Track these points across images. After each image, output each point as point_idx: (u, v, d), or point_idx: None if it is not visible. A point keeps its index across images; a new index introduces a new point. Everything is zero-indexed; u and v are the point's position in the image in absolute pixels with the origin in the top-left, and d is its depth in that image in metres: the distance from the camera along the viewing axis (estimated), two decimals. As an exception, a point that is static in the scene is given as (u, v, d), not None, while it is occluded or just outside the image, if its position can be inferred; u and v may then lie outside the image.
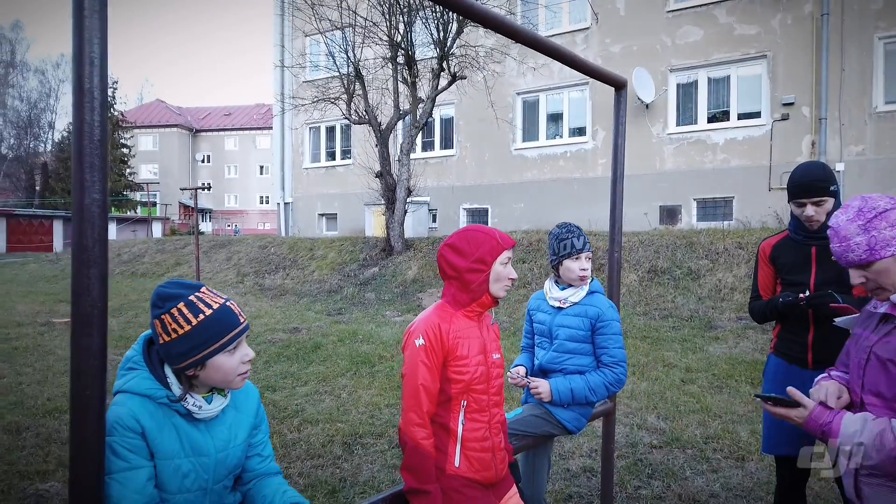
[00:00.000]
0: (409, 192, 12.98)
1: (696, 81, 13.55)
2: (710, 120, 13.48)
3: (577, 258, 2.81)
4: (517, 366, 2.93)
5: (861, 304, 2.41)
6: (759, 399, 1.73)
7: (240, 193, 54.84)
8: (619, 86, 3.38)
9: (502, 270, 2.10)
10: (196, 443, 1.61)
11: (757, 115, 12.88)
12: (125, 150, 43.51)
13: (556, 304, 2.88)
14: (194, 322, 1.56)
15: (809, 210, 2.65)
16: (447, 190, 16.46)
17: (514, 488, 2.26)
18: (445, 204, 16.51)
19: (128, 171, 43.94)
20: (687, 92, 13.72)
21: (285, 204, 20.16)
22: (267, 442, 1.84)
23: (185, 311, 1.56)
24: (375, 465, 4.35)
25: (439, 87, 12.49)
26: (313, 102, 13.58)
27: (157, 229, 39.99)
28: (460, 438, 2.08)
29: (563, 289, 2.88)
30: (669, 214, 13.57)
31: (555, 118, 15.44)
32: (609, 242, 3.36)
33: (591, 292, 2.86)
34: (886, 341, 1.58)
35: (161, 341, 1.58)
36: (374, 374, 6.71)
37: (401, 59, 12.79)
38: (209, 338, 1.57)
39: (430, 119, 13.06)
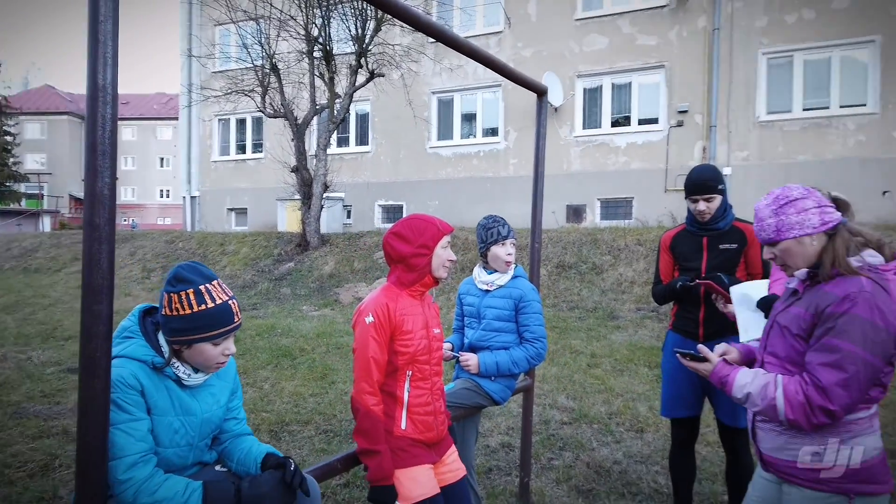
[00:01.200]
0: (326, 188, 13.02)
1: (601, 87, 14.37)
2: (614, 124, 14.34)
3: (503, 244, 3.14)
4: (446, 343, 3.21)
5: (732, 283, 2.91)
6: (678, 354, 2.07)
7: (138, 186, 52.17)
8: (540, 92, 3.75)
9: (443, 253, 2.38)
10: (185, 404, 1.83)
11: (655, 121, 13.83)
12: (8, 139, 40.11)
13: (484, 287, 3.20)
14: (196, 309, 1.77)
15: (701, 205, 3.09)
16: (362, 186, 16.58)
17: (454, 447, 2.55)
18: (360, 200, 16.62)
19: (11, 160, 40.60)
20: (593, 97, 14.53)
21: (192, 198, 19.53)
22: (241, 407, 2.06)
23: (192, 297, 1.77)
24: (304, 450, 4.51)
25: (357, 84, 12.61)
26: (226, 94, 13.33)
27: (46, 223, 37.40)
28: (406, 404, 2.34)
29: (491, 273, 3.21)
30: (575, 213, 14.34)
31: (469, 118, 15.90)
32: (530, 235, 3.72)
33: (514, 276, 3.20)
34: (787, 311, 1.92)
35: (164, 312, 1.79)
36: (296, 366, 6.82)
37: (318, 54, 12.79)
38: (202, 326, 1.79)
39: (346, 115, 13.14)
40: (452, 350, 3.19)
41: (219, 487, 1.76)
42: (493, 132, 15.49)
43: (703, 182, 3.10)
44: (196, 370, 1.86)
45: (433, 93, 15.96)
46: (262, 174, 17.88)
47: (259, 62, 13.27)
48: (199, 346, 1.81)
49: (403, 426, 2.34)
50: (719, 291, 2.85)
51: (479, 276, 3.24)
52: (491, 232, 3.15)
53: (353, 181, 16.40)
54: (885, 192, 11.86)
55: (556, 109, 14.37)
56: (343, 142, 17.18)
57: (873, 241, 1.81)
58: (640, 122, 14.04)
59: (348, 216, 16.79)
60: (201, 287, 1.79)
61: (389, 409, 2.34)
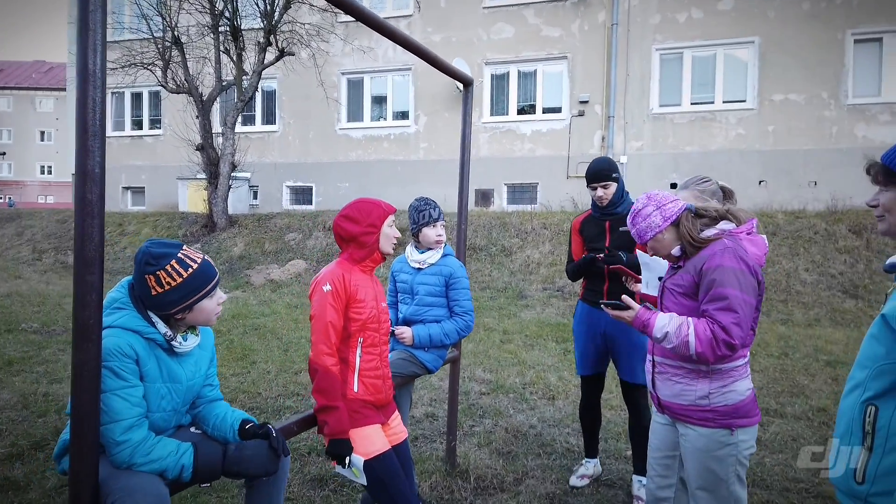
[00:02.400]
0: (234, 167, 12.72)
1: (508, 75, 14.84)
2: (520, 112, 14.86)
3: (433, 226, 3.40)
4: None
5: (636, 262, 3.34)
6: (602, 304, 2.40)
7: (15, 162, 48.10)
8: (467, 83, 3.99)
9: (389, 231, 2.63)
10: (172, 371, 1.97)
11: (559, 110, 14.47)
12: None
13: (417, 265, 3.45)
14: (185, 275, 1.92)
15: (599, 192, 3.55)
16: (269, 167, 16.27)
17: (398, 411, 2.78)
18: (267, 181, 16.31)
19: None
20: (500, 85, 14.97)
21: (83, 175, 18.35)
22: (216, 374, 2.20)
23: (176, 266, 1.92)
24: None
25: (266, 62, 12.35)
26: (123, 67, 12.66)
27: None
28: (358, 368, 2.55)
29: (422, 252, 3.45)
30: (484, 197, 14.79)
31: (379, 100, 15.95)
32: (457, 217, 3.97)
33: (444, 255, 3.46)
34: (673, 277, 2.34)
35: (154, 293, 1.91)
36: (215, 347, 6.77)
37: (224, 29, 12.41)
38: (197, 287, 1.95)
39: (254, 93, 12.85)
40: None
41: (208, 449, 1.91)
42: (403, 115, 15.63)
43: (600, 171, 3.56)
44: (186, 335, 2.00)
45: (343, 73, 15.86)
46: (161, 152, 17.13)
47: (159, 34, 12.69)
48: (198, 306, 1.97)
49: (356, 389, 2.55)
50: (629, 274, 3.23)
51: (412, 254, 3.48)
52: (423, 214, 3.39)
53: (260, 161, 16.06)
54: (760, 182, 13.07)
55: (465, 95, 14.68)
56: (248, 120, 16.74)
57: (721, 213, 2.29)
58: (545, 110, 14.64)
59: (255, 197, 16.44)
60: (179, 255, 1.93)
61: (342, 373, 2.53)
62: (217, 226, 12.81)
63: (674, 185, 13.30)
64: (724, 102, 13.45)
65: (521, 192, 14.72)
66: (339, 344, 2.51)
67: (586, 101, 14.06)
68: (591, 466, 3.78)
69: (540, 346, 6.75)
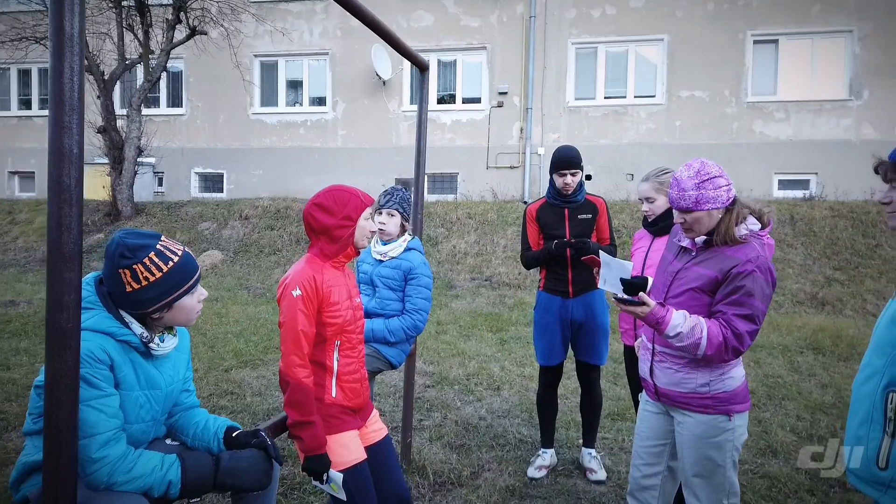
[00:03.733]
0: (140, 152, 11.90)
1: (428, 64, 14.68)
2: (440, 101, 14.80)
3: (378, 213, 3.30)
4: None
5: (597, 248, 3.35)
6: (615, 299, 2.30)
7: None
8: (423, 67, 3.86)
9: (365, 224, 2.42)
10: (150, 377, 1.76)
11: (478, 100, 14.51)
12: None
13: (378, 256, 3.31)
14: (165, 269, 1.71)
15: (568, 178, 3.53)
16: (176, 152, 15.34)
17: (375, 411, 2.64)
18: (174, 167, 15.39)
19: None
20: (420, 73, 14.80)
21: (-41, 158, 16.65)
22: (192, 378, 1.98)
23: (156, 259, 1.70)
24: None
25: (175, 40, 11.61)
26: (12, 41, 11.52)
27: None
28: (336, 373, 2.38)
29: (385, 244, 3.29)
30: (405, 187, 14.62)
31: (295, 85, 15.40)
32: (413, 206, 3.84)
33: (409, 248, 3.33)
34: (687, 269, 2.27)
35: (129, 289, 1.68)
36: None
37: (128, 3, 11.54)
38: (179, 282, 1.74)
39: (162, 73, 12.06)
40: None
41: (196, 462, 1.72)
42: (320, 101, 15.18)
43: (571, 158, 3.54)
44: (163, 336, 1.79)
45: (256, 56, 15.18)
46: (53, 134, 15.75)
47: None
48: (179, 304, 1.77)
49: (334, 394, 2.38)
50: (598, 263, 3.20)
51: (375, 245, 3.34)
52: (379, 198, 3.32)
53: (165, 146, 15.09)
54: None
55: (384, 83, 14.46)
56: (152, 102, 15.69)
57: (755, 210, 2.25)
58: (465, 100, 14.64)
59: (160, 184, 15.48)
60: (158, 247, 1.73)
61: (319, 378, 2.36)
62: (122, 214, 11.97)
63: (588, 177, 13.67)
64: (635, 97, 13.94)
65: (441, 182, 14.69)
66: (314, 350, 2.34)
67: (505, 93, 14.18)
68: (547, 457, 3.79)
69: (477, 337, 6.75)
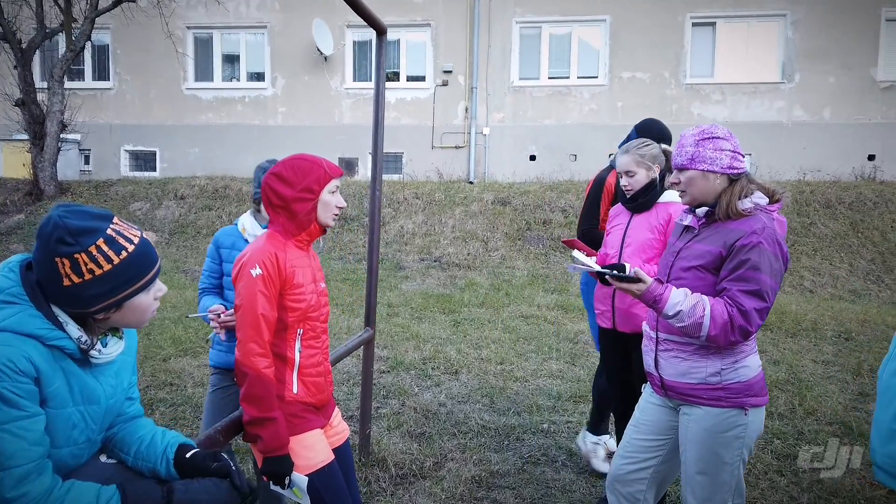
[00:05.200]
0: (64, 127, 11.11)
1: (371, 40, 14.31)
2: (386, 79, 14.41)
3: None
4: (212, 306, 2.71)
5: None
6: (607, 274, 2.13)
7: None
8: (380, 31, 3.62)
9: (330, 199, 2.14)
10: (87, 389, 1.42)
11: (423, 78, 14.23)
12: None
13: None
14: (116, 261, 1.36)
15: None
16: (103, 128, 14.44)
17: (337, 408, 2.43)
18: (101, 144, 14.49)
19: None
20: (362, 49, 14.41)
21: None
22: (136, 383, 1.67)
23: (105, 248, 1.35)
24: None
25: (100, 7, 10.83)
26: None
27: None
28: (297, 366, 2.15)
29: (265, 227, 2.82)
30: (348, 166, 14.27)
31: (231, 60, 14.71)
32: (371, 182, 3.64)
33: None
34: (690, 247, 2.14)
35: (66, 283, 1.33)
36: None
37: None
38: (132, 276, 1.40)
39: (86, 42, 11.25)
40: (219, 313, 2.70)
41: (141, 492, 1.40)
42: (259, 77, 14.56)
43: (669, 139, 3.26)
44: (105, 339, 1.46)
45: (189, 28, 14.40)
46: (-37, 108, 14.58)
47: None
48: (131, 302, 1.42)
49: (295, 390, 2.15)
50: (582, 248, 3.04)
51: (251, 228, 2.83)
52: None
53: (92, 121, 14.17)
54: (610, 155, 13.83)
55: (326, 59, 13.99)
56: (76, 75, 14.70)
57: (767, 188, 2.11)
58: (409, 78, 14.34)
59: (87, 162, 14.57)
60: (109, 232, 1.36)
61: (279, 371, 2.12)
62: (45, 193, 11.18)
63: (533, 158, 13.70)
64: (578, 78, 13.97)
65: (386, 162, 14.38)
66: (274, 338, 2.10)
67: (450, 71, 13.96)
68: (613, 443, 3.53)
69: (429, 319, 6.60)
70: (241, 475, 1.57)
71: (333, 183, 2.15)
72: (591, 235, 3.47)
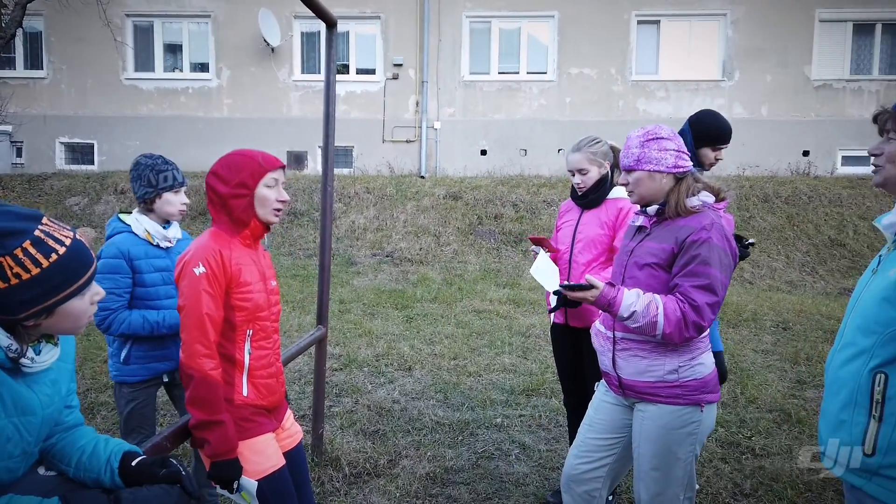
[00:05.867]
0: (-7, 119, 10.56)
1: (319, 32, 14.08)
2: (333, 71, 14.21)
3: (177, 192, 2.70)
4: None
5: None
6: (561, 289, 2.13)
7: None
8: (330, 23, 3.56)
9: (268, 193, 2.07)
10: (20, 400, 1.33)
11: (373, 71, 14.09)
12: None
13: (167, 244, 2.74)
14: (45, 264, 1.28)
15: (721, 155, 3.09)
16: (37, 119, 13.78)
17: (289, 410, 2.38)
18: (35, 136, 13.83)
19: None
20: (311, 41, 14.17)
21: None
22: (75, 391, 1.59)
23: (31, 250, 1.27)
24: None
25: (32, -7, 10.33)
26: None
27: None
28: (247, 367, 2.10)
29: (168, 227, 2.76)
30: (297, 159, 14.03)
31: (173, 49, 14.24)
32: (322, 177, 3.58)
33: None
34: (642, 246, 2.18)
35: None
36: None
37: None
38: (64, 280, 1.32)
39: (17, 29, 10.71)
40: None
41: (87, 502, 1.35)
42: (203, 68, 14.14)
43: (730, 132, 3.08)
44: (39, 347, 1.38)
45: (128, 15, 13.87)
46: None
47: None
48: (65, 308, 1.35)
49: (245, 393, 2.10)
50: (547, 246, 3.04)
51: (157, 229, 2.69)
52: (164, 176, 2.66)
53: (24, 112, 13.50)
54: (559, 150, 14.00)
55: (273, 50, 13.70)
56: (7, 64, 13.97)
57: (712, 187, 2.17)
58: (359, 71, 14.18)
59: (19, 154, 13.89)
60: (37, 233, 1.29)
61: (228, 374, 2.07)
62: (-29, 189, 10.61)
63: (484, 152, 13.76)
64: (528, 73, 14.07)
65: (336, 156, 14.15)
66: (221, 339, 2.04)
67: (400, 65, 13.87)
68: None
69: (382, 315, 6.56)
70: (192, 480, 1.53)
71: (270, 176, 2.08)
72: None
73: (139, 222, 2.68)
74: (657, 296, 2.04)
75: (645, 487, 2.15)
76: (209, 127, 13.85)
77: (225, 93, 13.96)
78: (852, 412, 1.51)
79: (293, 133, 13.82)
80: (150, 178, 2.63)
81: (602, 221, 2.96)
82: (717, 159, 3.08)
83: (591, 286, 2.07)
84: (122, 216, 2.74)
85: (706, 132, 3.03)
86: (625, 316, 2.03)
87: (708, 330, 2.13)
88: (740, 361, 5.29)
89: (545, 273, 2.82)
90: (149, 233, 2.67)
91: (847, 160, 13.30)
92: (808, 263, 9.55)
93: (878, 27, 13.29)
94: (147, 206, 2.69)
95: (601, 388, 2.37)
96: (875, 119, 1.58)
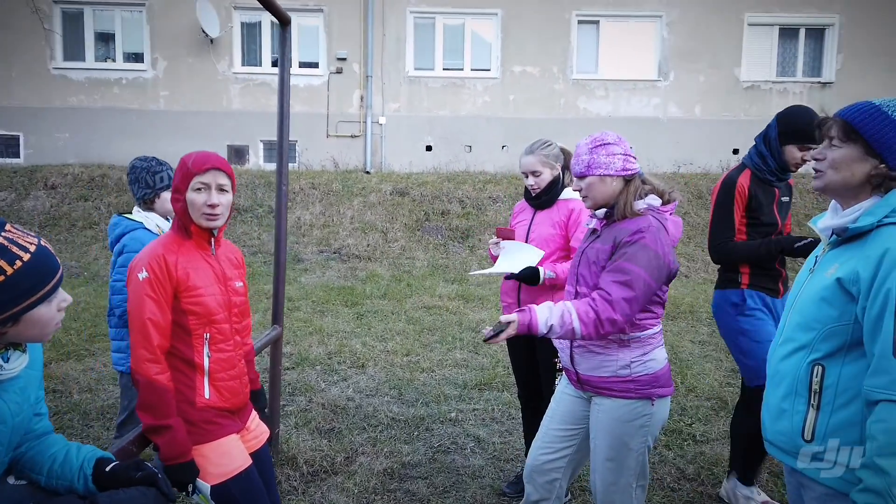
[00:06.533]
0: None
1: (261, 23, 13.80)
2: (274, 64, 13.97)
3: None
4: None
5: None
6: (484, 341, 2.14)
7: None
8: (284, 21, 3.54)
9: (195, 198, 2.05)
10: None
11: (316, 65, 13.91)
12: None
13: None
14: (9, 271, 1.27)
15: (808, 155, 2.80)
16: (-45, 109, 13.02)
17: (255, 411, 2.39)
18: (-47, 127, 13.06)
19: None
20: (251, 32, 13.87)
21: None
22: (44, 398, 1.57)
23: None
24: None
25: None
26: None
27: None
28: (207, 371, 2.11)
29: (170, 221, 2.97)
30: (238, 154, 13.73)
31: (105, 38, 13.68)
32: (277, 175, 3.57)
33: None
34: (591, 246, 2.29)
35: None
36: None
37: None
38: (30, 288, 1.31)
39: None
40: None
41: None
42: (137, 58, 13.64)
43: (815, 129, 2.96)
44: (6, 354, 1.36)
45: (56, 2, 13.23)
46: None
47: None
48: (31, 316, 1.34)
49: (207, 395, 2.10)
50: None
51: (165, 224, 2.97)
52: (160, 177, 2.95)
53: (-60, 102, 12.75)
54: (503, 146, 14.20)
55: (212, 41, 13.35)
56: (-80, 50, 13.12)
57: (658, 189, 2.28)
58: (301, 64, 13.97)
59: (-65, 147, 13.08)
60: (1, 239, 1.29)
61: (189, 378, 2.08)
62: None
63: (429, 148, 13.81)
64: (472, 70, 14.18)
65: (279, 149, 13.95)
66: (179, 345, 2.05)
67: (344, 59, 13.73)
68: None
69: (332, 312, 6.54)
70: (167, 482, 1.57)
71: (197, 180, 2.05)
72: (724, 250, 3.03)
73: (149, 219, 2.94)
74: (568, 303, 2.13)
75: (600, 477, 2.26)
76: (144, 120, 13.38)
77: (161, 84, 13.51)
78: (793, 402, 1.64)
79: (234, 127, 13.52)
80: (147, 180, 2.91)
81: (554, 221, 3.08)
82: (804, 160, 2.87)
83: (508, 323, 2.10)
84: (128, 215, 2.97)
85: (793, 128, 2.86)
86: (545, 332, 2.09)
87: (660, 326, 2.26)
88: (679, 352, 5.54)
89: (517, 255, 2.92)
90: (160, 227, 2.92)
91: (774, 158, 14.00)
92: (739, 257, 10.01)
93: (802, 31, 14.01)
94: (148, 206, 2.95)
95: (563, 381, 2.48)
96: (819, 125, 1.68)
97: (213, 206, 2.06)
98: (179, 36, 13.33)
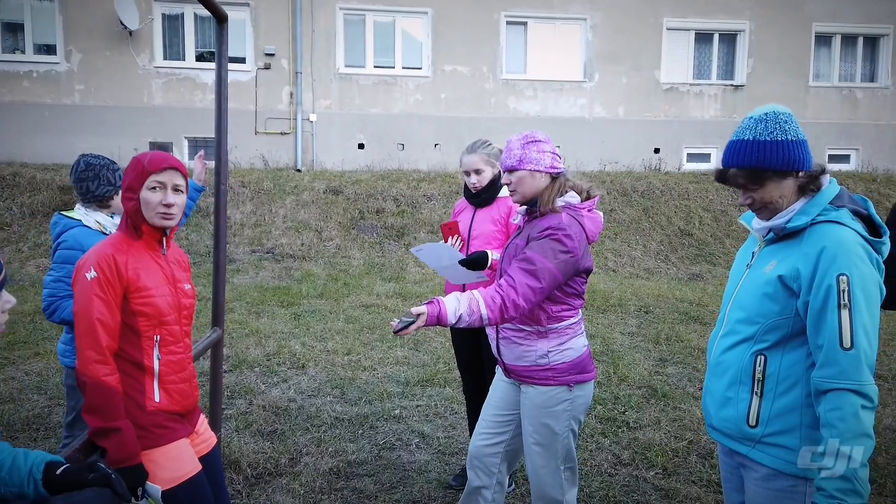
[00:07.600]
0: None
1: (183, 16, 13.35)
2: (199, 59, 13.54)
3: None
4: None
5: None
6: (396, 333, 2.13)
7: None
8: (221, 18, 3.47)
9: (150, 197, 2.02)
10: None
11: (243, 60, 13.56)
12: None
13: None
14: None
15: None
16: None
17: (202, 415, 2.36)
18: None
19: None
20: (173, 25, 13.38)
21: None
22: None
23: None
24: None
25: None
26: None
27: None
28: (157, 374, 2.08)
29: (115, 217, 3.01)
30: (161, 151, 13.22)
31: (13, 28, 12.89)
32: (215, 175, 3.50)
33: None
34: (514, 241, 2.42)
35: None
36: None
37: None
38: None
39: None
40: None
41: None
42: (48, 50, 12.92)
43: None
44: None
45: (-45, -12, 12.37)
46: None
47: None
48: None
49: (157, 399, 2.07)
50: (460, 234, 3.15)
51: (107, 220, 2.96)
52: (120, 174, 2.96)
53: None
54: (436, 145, 14.30)
55: (130, 34, 12.80)
56: None
57: (578, 186, 2.43)
58: (228, 60, 13.58)
59: None
60: None
61: (138, 381, 2.04)
62: None
63: (361, 146, 13.74)
64: (403, 68, 14.20)
65: (204, 147, 13.48)
66: (128, 347, 2.02)
67: (272, 55, 13.46)
68: None
69: (268, 314, 6.44)
70: (121, 482, 1.56)
71: (153, 179, 2.03)
72: None
73: (88, 216, 2.90)
74: (475, 291, 2.20)
75: (530, 461, 2.40)
76: (58, 115, 12.70)
77: (76, 78, 12.84)
78: (737, 390, 1.76)
79: (156, 123, 13.02)
80: (109, 178, 2.93)
81: (494, 218, 3.19)
82: None
83: (417, 315, 2.13)
84: (66, 213, 2.93)
85: None
86: (454, 322, 2.14)
87: (578, 316, 2.39)
88: (611, 344, 5.78)
89: (441, 256, 2.97)
90: (100, 223, 2.90)
91: (692, 157, 14.70)
92: (662, 252, 10.50)
93: (716, 37, 14.76)
94: (103, 203, 2.94)
95: (498, 371, 2.61)
96: (724, 180, 1.76)
97: (168, 206, 2.04)
98: (95, 27, 12.72)
